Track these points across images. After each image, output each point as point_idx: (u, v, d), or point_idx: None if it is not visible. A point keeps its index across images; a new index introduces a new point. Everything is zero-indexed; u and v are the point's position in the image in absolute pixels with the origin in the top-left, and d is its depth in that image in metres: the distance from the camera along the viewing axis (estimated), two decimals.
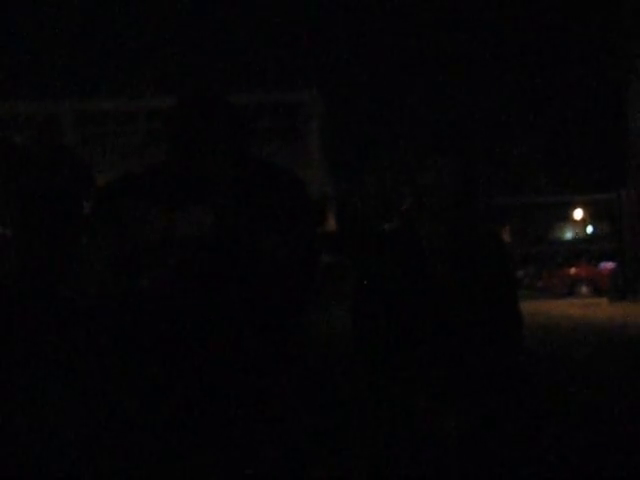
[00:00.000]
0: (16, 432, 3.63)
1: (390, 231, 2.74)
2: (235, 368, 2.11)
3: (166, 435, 2.12)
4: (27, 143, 6.31)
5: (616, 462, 3.85)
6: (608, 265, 25.67)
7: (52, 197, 5.93)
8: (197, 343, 2.11)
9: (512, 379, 2.45)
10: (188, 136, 2.16)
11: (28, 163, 6.11)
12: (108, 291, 2.18)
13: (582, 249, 30.15)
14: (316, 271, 2.23)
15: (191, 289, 2.11)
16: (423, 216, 2.49)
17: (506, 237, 32.80)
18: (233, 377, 2.11)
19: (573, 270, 26.64)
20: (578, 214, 39.31)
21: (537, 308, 16.31)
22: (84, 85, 28.40)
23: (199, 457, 2.11)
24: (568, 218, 39.55)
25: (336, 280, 13.35)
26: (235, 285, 2.10)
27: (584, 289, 25.68)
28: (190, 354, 2.12)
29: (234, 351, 2.11)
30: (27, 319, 5.25)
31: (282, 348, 2.17)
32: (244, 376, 2.12)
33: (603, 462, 3.86)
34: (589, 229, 38.94)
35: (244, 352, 2.11)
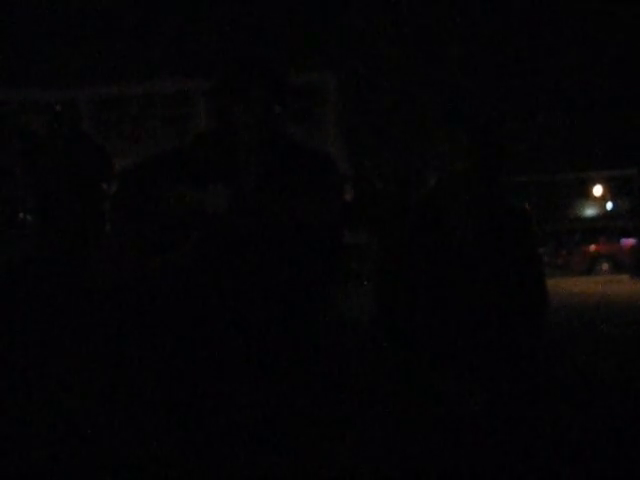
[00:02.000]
0: (34, 417, 3.67)
1: (410, 209, 2.72)
2: (264, 342, 2.12)
3: (189, 410, 2.14)
4: (46, 130, 6.34)
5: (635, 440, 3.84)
6: (629, 241, 25.44)
7: (71, 183, 5.96)
8: (226, 316, 2.13)
9: (535, 358, 2.44)
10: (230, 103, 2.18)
11: (47, 149, 6.14)
12: (132, 271, 2.20)
13: (602, 226, 29.90)
14: (343, 247, 2.23)
15: (217, 265, 2.13)
16: (443, 191, 2.48)
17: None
18: (262, 351, 2.13)
19: (593, 247, 26.44)
20: (598, 191, 39.00)
21: (557, 285, 16.22)
22: (101, 70, 28.42)
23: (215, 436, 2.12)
24: (588, 195, 39.25)
25: (355, 260, 13.36)
26: (262, 260, 2.12)
27: (604, 266, 25.51)
28: (219, 328, 2.13)
29: (262, 325, 2.12)
30: (48, 303, 5.29)
31: (308, 323, 2.17)
32: (272, 351, 2.13)
33: (624, 441, 3.85)
34: (609, 205, 38.62)
35: (272, 326, 2.12)
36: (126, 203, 2.25)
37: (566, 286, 17.18)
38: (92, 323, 4.81)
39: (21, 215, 6.86)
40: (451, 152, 2.43)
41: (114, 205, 2.34)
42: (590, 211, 38.93)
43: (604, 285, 17.79)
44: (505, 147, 2.45)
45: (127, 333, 3.88)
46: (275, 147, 2.22)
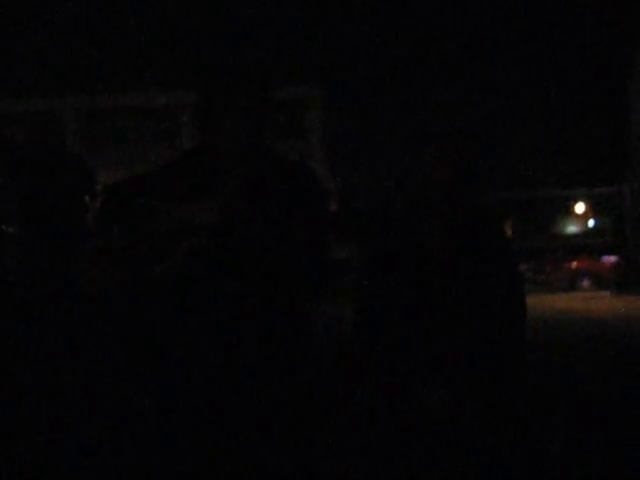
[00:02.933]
0: (20, 430, 3.65)
1: (387, 224, 2.75)
2: (247, 355, 2.13)
3: (177, 425, 2.14)
4: (28, 141, 6.32)
5: (615, 456, 3.85)
6: (610, 259, 25.66)
7: (53, 195, 5.95)
8: (209, 329, 2.13)
9: (513, 372, 2.45)
10: (213, 120, 2.19)
11: (29, 161, 6.12)
12: (117, 284, 2.20)
13: (584, 243, 30.12)
14: (329, 259, 2.24)
15: (202, 278, 2.13)
16: (417, 207, 2.51)
17: (508, 231, 32.77)
18: (245, 365, 2.13)
19: (575, 264, 26.62)
20: (580, 208, 39.29)
21: (539, 302, 16.30)
22: (85, 81, 28.41)
23: (206, 449, 2.12)
24: (570, 212, 39.53)
25: (335, 276, 13.38)
26: (246, 273, 2.12)
27: (586, 283, 25.68)
28: (203, 341, 2.13)
29: (246, 338, 2.12)
30: (30, 316, 5.27)
31: (293, 335, 2.18)
32: (256, 364, 2.13)
33: (602, 455, 3.87)
34: (591, 223, 38.91)
35: (256, 338, 2.13)
36: (111, 217, 2.26)
37: (548, 302, 17.27)
38: (76, 336, 4.79)
39: (4, 227, 6.84)
40: (431, 163, 2.45)
41: (98, 219, 2.33)
42: (572, 228, 39.19)
43: (585, 302, 17.90)
44: (475, 157, 2.48)
45: (111, 346, 3.87)
46: (260, 161, 2.22)
